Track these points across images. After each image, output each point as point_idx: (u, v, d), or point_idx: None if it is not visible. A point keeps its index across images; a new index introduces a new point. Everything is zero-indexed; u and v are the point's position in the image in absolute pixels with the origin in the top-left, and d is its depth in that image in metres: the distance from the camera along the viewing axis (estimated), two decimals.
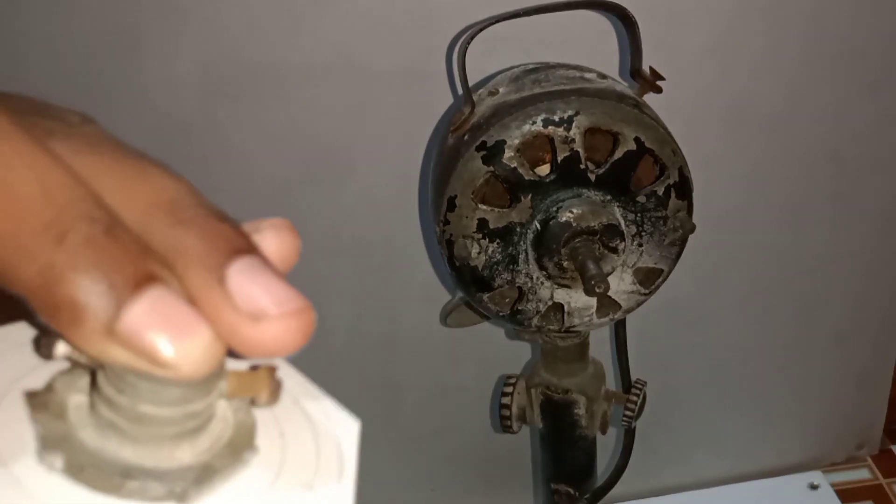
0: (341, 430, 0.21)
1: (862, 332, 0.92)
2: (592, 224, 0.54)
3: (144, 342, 0.16)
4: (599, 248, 0.54)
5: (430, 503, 0.95)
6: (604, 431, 0.71)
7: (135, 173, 0.18)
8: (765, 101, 0.78)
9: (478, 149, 0.54)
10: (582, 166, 0.54)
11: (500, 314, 0.60)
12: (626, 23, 0.59)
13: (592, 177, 0.55)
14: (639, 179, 0.56)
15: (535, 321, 0.60)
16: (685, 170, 0.56)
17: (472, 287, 0.58)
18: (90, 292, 0.16)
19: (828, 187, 0.83)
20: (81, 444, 0.18)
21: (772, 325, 0.90)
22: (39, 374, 0.19)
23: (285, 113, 0.73)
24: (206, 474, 0.18)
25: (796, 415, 0.97)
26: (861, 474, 1.00)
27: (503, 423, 0.70)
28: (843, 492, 0.95)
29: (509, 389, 0.69)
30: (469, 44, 0.57)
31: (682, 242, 0.58)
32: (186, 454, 0.18)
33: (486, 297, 0.58)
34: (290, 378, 0.21)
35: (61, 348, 0.17)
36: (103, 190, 0.17)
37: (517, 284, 0.58)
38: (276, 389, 0.19)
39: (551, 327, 0.60)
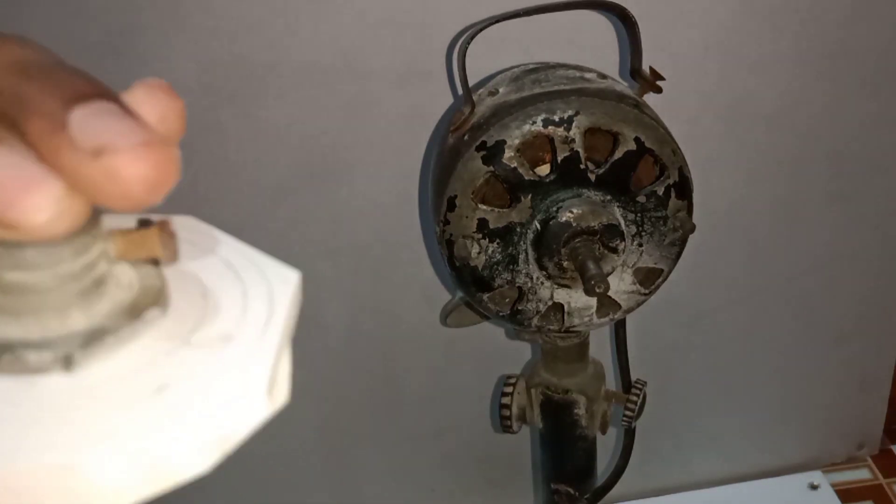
0: (277, 282, 0.19)
1: (862, 331, 0.92)
2: (592, 224, 0.54)
3: None
4: (599, 248, 0.54)
5: (430, 503, 0.95)
6: (604, 431, 0.71)
7: None
8: (765, 101, 0.78)
9: (478, 149, 0.54)
10: (582, 166, 0.54)
11: (500, 314, 0.60)
12: (626, 23, 0.60)
13: (592, 177, 0.55)
14: (639, 179, 0.56)
15: (535, 321, 0.60)
16: (685, 170, 0.56)
17: (472, 287, 0.58)
18: None
19: (828, 187, 0.83)
20: None
21: (772, 325, 0.90)
22: None
23: (285, 113, 0.73)
24: (96, 336, 0.17)
25: (796, 415, 0.97)
26: (861, 474, 1.00)
27: (503, 423, 0.70)
28: (843, 492, 0.95)
29: (509, 389, 0.69)
30: (469, 44, 0.57)
31: (682, 242, 0.58)
32: (79, 321, 0.17)
33: (486, 297, 0.58)
34: (223, 240, 0.20)
35: None
36: None
37: (517, 284, 0.58)
38: (170, 245, 0.18)
39: (551, 327, 0.60)
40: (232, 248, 0.20)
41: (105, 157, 0.15)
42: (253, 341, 0.18)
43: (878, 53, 0.77)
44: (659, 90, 0.59)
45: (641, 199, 0.56)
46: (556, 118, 0.54)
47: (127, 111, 0.16)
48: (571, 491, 0.73)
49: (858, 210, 0.85)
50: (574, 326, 0.60)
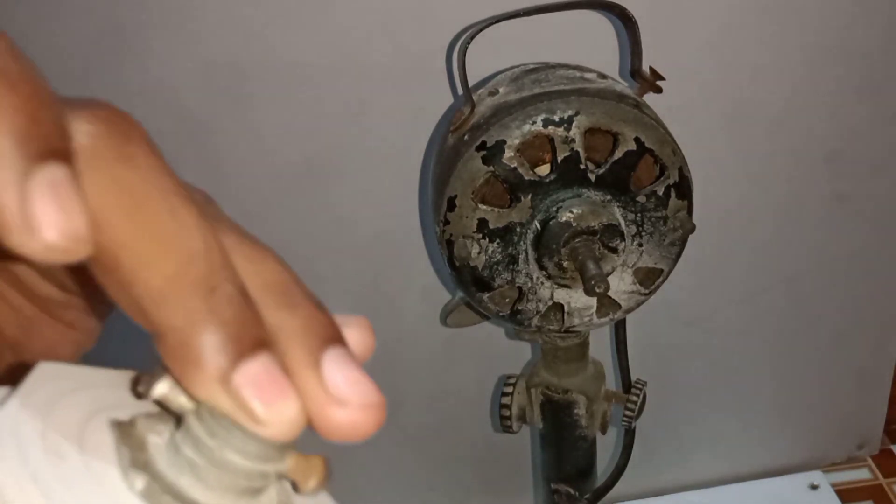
0: None
1: (862, 331, 0.92)
2: (592, 224, 0.54)
3: (249, 397, 0.19)
4: (599, 248, 0.54)
5: (430, 503, 0.95)
6: (604, 431, 0.71)
7: (254, 255, 0.20)
8: (765, 101, 0.78)
9: (478, 149, 0.55)
10: (582, 166, 0.54)
11: (500, 314, 0.60)
12: (627, 23, 0.60)
13: (592, 177, 0.55)
14: (639, 179, 0.56)
15: (535, 321, 0.60)
16: (685, 170, 0.56)
17: (472, 287, 0.58)
18: (219, 342, 0.19)
19: (828, 187, 0.83)
20: (160, 474, 0.19)
21: (772, 324, 0.90)
22: (123, 412, 0.20)
23: (285, 112, 0.73)
24: None
25: (796, 415, 0.97)
26: (861, 474, 1.00)
27: (503, 423, 0.70)
28: (843, 492, 0.95)
29: (509, 389, 0.69)
30: (469, 44, 0.57)
31: (682, 242, 0.58)
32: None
33: (486, 297, 0.58)
34: (321, 495, 0.23)
35: (161, 388, 0.19)
36: None
37: (517, 284, 0.58)
38: (324, 478, 0.21)
39: (551, 327, 0.60)
40: (325, 499, 0.23)
41: (346, 409, 0.20)
42: None
43: (879, 54, 0.77)
44: (659, 90, 0.59)
45: (641, 199, 0.56)
46: (556, 118, 0.54)
47: (356, 361, 0.21)
48: (571, 491, 0.73)
49: (859, 210, 0.85)
50: (574, 326, 0.60)
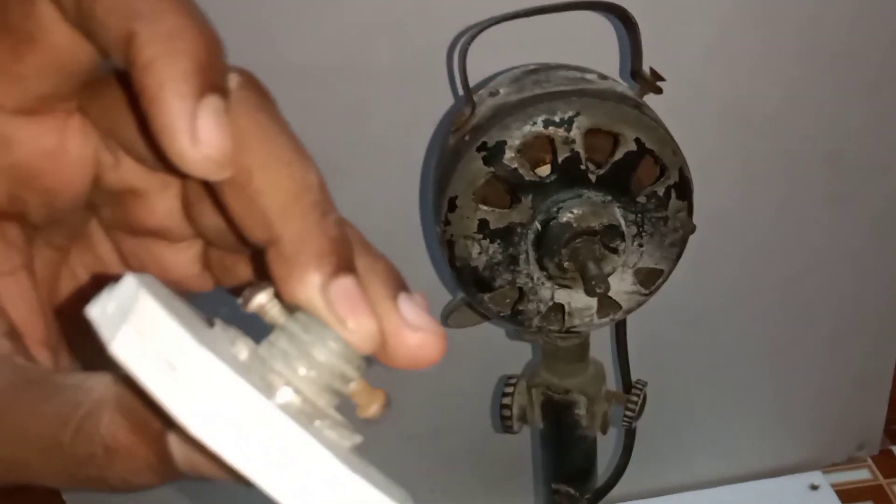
0: (395, 490, 0.25)
1: (862, 331, 0.92)
2: (593, 225, 0.54)
3: (340, 306, 0.22)
4: (600, 249, 0.54)
5: (430, 503, 0.95)
6: (604, 432, 0.71)
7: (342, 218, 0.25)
8: (765, 102, 0.78)
9: (478, 149, 0.55)
10: (582, 167, 0.54)
11: (501, 315, 0.60)
12: (627, 24, 0.60)
13: (593, 177, 0.55)
14: (639, 180, 0.56)
15: (535, 322, 0.60)
16: (685, 170, 0.56)
17: (472, 287, 0.58)
18: (326, 254, 0.22)
19: (828, 188, 0.83)
20: (257, 353, 0.22)
21: (772, 325, 0.90)
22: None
23: (285, 113, 0.73)
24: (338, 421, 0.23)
25: (796, 415, 0.97)
26: (861, 475, 1.00)
27: (504, 423, 0.70)
28: (843, 492, 0.95)
29: (510, 390, 0.69)
30: (469, 44, 0.57)
31: (683, 243, 0.58)
32: (321, 402, 0.23)
33: (486, 297, 0.58)
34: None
35: (262, 297, 0.23)
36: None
37: (518, 285, 0.58)
38: (385, 407, 0.24)
39: (552, 328, 0.60)
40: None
41: (418, 332, 0.24)
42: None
43: (879, 53, 0.77)
44: (659, 91, 0.59)
45: (642, 199, 0.56)
46: (557, 119, 0.54)
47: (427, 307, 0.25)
48: (572, 491, 0.73)
49: (859, 210, 0.85)
50: (575, 327, 0.60)
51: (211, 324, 0.23)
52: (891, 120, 0.80)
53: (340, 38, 0.71)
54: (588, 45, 0.72)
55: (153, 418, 0.21)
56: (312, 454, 0.21)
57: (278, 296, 0.23)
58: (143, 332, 0.20)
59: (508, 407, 0.69)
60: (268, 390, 0.22)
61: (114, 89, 0.25)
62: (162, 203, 0.27)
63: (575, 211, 0.54)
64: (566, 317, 0.59)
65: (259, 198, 0.22)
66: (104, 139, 0.26)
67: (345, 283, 0.22)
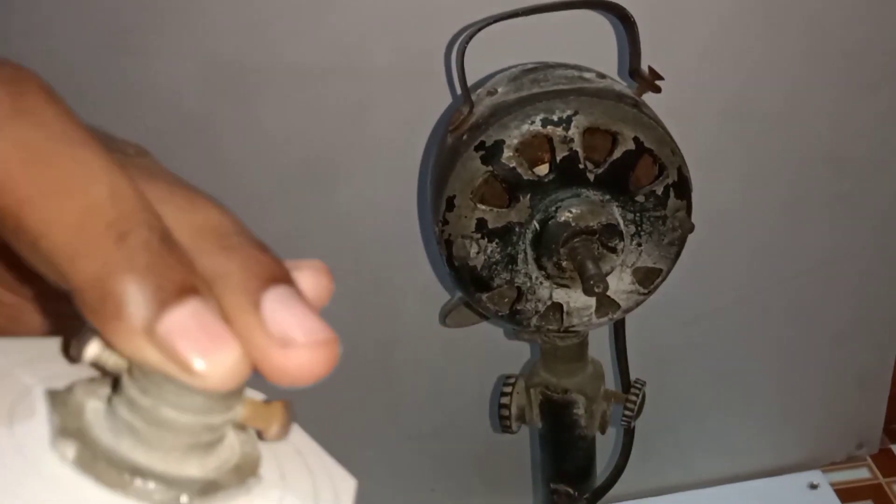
0: (339, 482, 0.22)
1: (861, 330, 0.92)
2: (591, 224, 0.54)
3: (178, 348, 0.17)
4: (598, 248, 0.54)
5: (430, 503, 0.95)
6: (603, 431, 0.71)
7: (186, 202, 0.19)
8: (764, 101, 0.78)
9: (476, 149, 0.54)
10: (581, 166, 0.54)
11: (499, 314, 0.60)
12: (625, 22, 0.60)
13: (591, 176, 0.55)
14: (638, 179, 0.56)
15: (534, 321, 0.60)
16: (684, 169, 0.56)
17: (471, 287, 0.58)
18: (138, 291, 0.17)
19: (827, 187, 0.83)
20: (95, 440, 0.18)
21: (771, 324, 0.90)
22: (62, 381, 0.19)
23: (285, 113, 0.73)
24: (211, 488, 0.19)
25: (796, 414, 0.97)
26: (861, 474, 1.00)
27: (502, 423, 0.70)
28: (842, 491, 0.95)
29: (508, 389, 0.69)
30: (468, 43, 0.57)
31: (681, 242, 0.58)
32: (194, 468, 0.19)
33: (485, 297, 0.58)
34: (295, 433, 0.22)
35: (92, 350, 0.18)
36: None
37: (516, 284, 0.58)
38: (287, 423, 0.20)
39: (550, 327, 0.60)
40: (300, 436, 0.22)
41: (290, 350, 0.18)
42: None
43: (880, 52, 0.77)
44: (658, 90, 0.59)
45: (640, 198, 0.56)
46: (555, 118, 0.54)
47: (304, 300, 0.19)
48: (571, 491, 0.73)
49: (858, 210, 0.85)
50: (573, 326, 0.60)
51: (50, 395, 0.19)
52: (892, 119, 0.80)
53: (339, 38, 0.71)
54: (586, 43, 0.72)
55: None
56: None
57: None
58: None
59: (507, 407, 0.69)
60: (118, 486, 0.18)
61: None
62: None
63: (573, 210, 0.54)
64: (564, 316, 0.59)
65: (38, 244, 0.17)
66: None
67: (175, 317, 0.17)
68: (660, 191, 0.56)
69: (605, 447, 0.86)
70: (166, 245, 0.18)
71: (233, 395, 0.19)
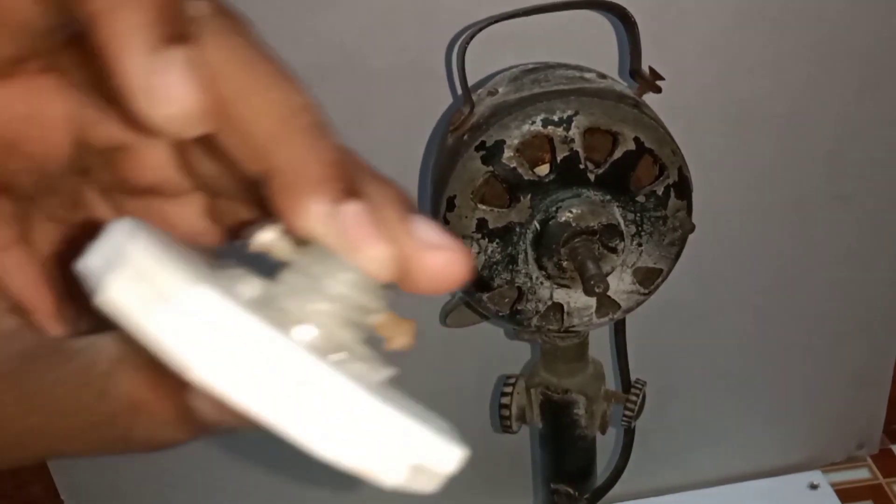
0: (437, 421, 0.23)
1: (862, 330, 0.92)
2: (592, 224, 0.54)
3: (351, 233, 0.21)
4: (599, 248, 0.54)
5: (430, 503, 0.95)
6: (603, 431, 0.71)
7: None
8: (765, 101, 0.78)
9: (477, 149, 0.54)
10: (581, 166, 0.54)
11: (500, 314, 0.60)
12: (626, 23, 0.59)
13: (592, 177, 0.55)
14: (638, 179, 0.56)
15: (534, 321, 0.60)
16: (684, 169, 0.56)
17: (471, 287, 0.58)
18: (327, 180, 0.21)
19: (828, 187, 0.83)
20: (265, 292, 0.21)
21: (771, 324, 0.90)
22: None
23: None
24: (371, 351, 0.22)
25: (796, 414, 0.97)
26: (861, 474, 1.00)
27: (503, 423, 0.70)
28: (842, 491, 0.95)
29: (509, 389, 0.69)
30: (468, 43, 0.57)
31: (682, 242, 0.58)
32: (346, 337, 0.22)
33: (485, 297, 0.58)
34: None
35: (268, 235, 0.21)
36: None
37: (516, 284, 0.58)
38: (412, 338, 0.23)
39: (551, 327, 0.60)
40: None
41: (437, 251, 0.22)
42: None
43: (881, 52, 0.77)
44: (658, 90, 0.59)
45: (641, 198, 0.56)
46: (556, 118, 0.54)
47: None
48: (571, 491, 0.73)
49: (859, 209, 0.85)
50: (573, 326, 0.60)
51: (216, 265, 0.21)
52: (893, 118, 0.80)
53: (339, 38, 0.71)
54: (587, 44, 0.72)
55: (170, 372, 0.19)
56: (336, 389, 0.19)
57: (287, 233, 0.21)
58: (135, 276, 0.18)
59: (507, 407, 0.69)
60: (280, 327, 0.20)
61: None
62: (153, 157, 0.26)
63: (574, 210, 0.54)
64: (565, 316, 0.59)
65: (245, 127, 0.21)
66: (84, 96, 0.24)
67: (353, 208, 0.21)
68: (660, 191, 0.56)
69: (606, 447, 0.86)
70: (346, 153, 0.22)
71: (382, 289, 0.22)
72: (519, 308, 0.59)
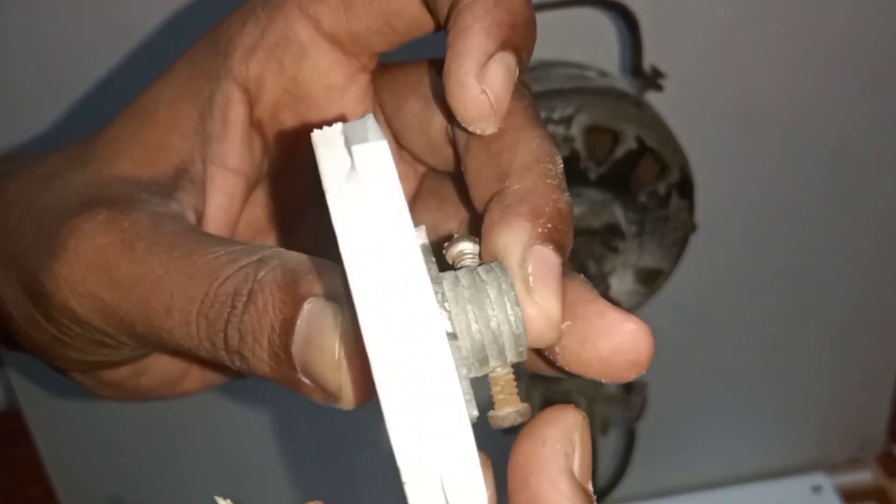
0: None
1: (865, 331, 0.92)
2: (593, 224, 0.53)
3: (535, 271, 0.21)
4: (599, 248, 0.54)
5: None
6: (604, 433, 0.71)
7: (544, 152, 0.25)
8: (769, 100, 0.77)
9: None
10: (582, 165, 0.54)
11: None
12: (628, 20, 0.59)
13: (593, 176, 0.54)
14: (640, 178, 0.56)
15: None
16: (687, 169, 0.56)
17: None
18: (544, 219, 0.23)
19: (831, 186, 0.82)
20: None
21: (774, 324, 0.90)
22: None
23: None
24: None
25: (798, 416, 0.96)
26: (863, 475, 0.99)
27: None
28: (845, 493, 0.95)
29: None
30: None
31: (684, 242, 0.58)
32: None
33: None
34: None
35: (465, 245, 0.22)
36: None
37: None
38: (515, 417, 0.23)
39: None
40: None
41: (631, 325, 0.23)
42: None
43: (882, 52, 0.76)
44: (660, 88, 0.59)
45: (643, 198, 0.55)
46: (556, 116, 0.53)
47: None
48: None
49: (861, 209, 0.84)
50: None
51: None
52: (894, 118, 0.80)
53: None
54: (587, 41, 0.72)
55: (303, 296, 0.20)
56: (451, 409, 0.19)
57: (480, 255, 0.22)
58: (363, 178, 0.18)
59: None
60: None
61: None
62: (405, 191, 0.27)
63: (574, 210, 0.53)
64: None
65: (505, 151, 0.23)
66: (375, 110, 0.28)
67: (549, 255, 0.22)
68: (662, 190, 0.55)
69: (606, 449, 0.86)
70: (568, 219, 0.23)
71: (524, 345, 0.21)
72: None
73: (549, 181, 0.22)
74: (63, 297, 0.24)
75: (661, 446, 0.93)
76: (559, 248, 0.22)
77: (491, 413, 0.22)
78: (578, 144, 0.53)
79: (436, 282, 0.20)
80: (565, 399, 0.68)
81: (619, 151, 0.54)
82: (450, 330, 0.20)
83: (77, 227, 0.24)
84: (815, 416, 0.97)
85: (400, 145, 0.28)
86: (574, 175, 0.54)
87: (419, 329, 0.18)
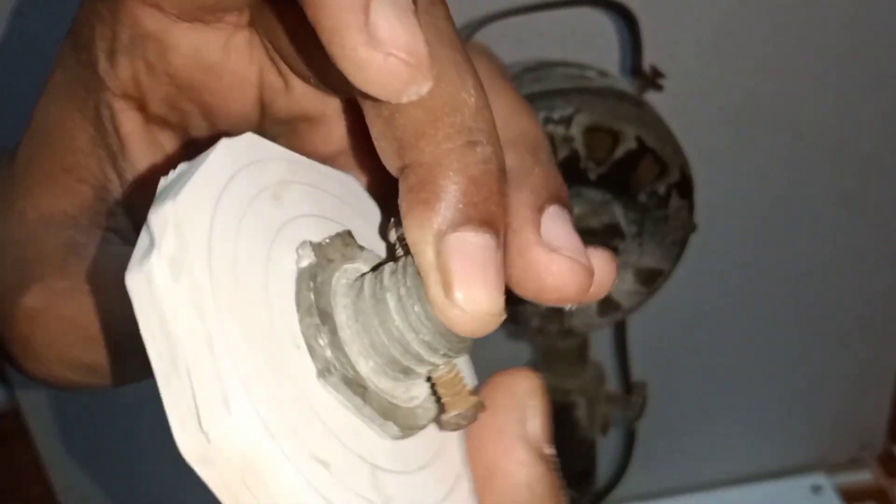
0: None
1: (865, 331, 0.92)
2: (592, 224, 0.53)
3: (452, 264, 0.17)
4: None
5: None
6: (604, 433, 0.71)
7: (511, 110, 0.22)
8: (768, 100, 0.77)
9: None
10: (582, 165, 0.54)
11: None
12: (628, 20, 0.59)
13: (593, 176, 0.54)
14: (640, 178, 0.56)
15: (534, 322, 0.59)
16: (687, 169, 0.56)
17: None
18: (456, 195, 0.18)
19: (831, 186, 0.82)
20: (329, 314, 0.18)
21: (773, 324, 0.90)
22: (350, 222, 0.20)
23: None
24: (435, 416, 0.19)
25: (798, 416, 0.96)
26: (864, 476, 0.99)
27: None
28: (845, 493, 0.95)
29: None
30: (467, 42, 0.57)
31: (684, 242, 0.58)
32: (420, 391, 0.19)
33: None
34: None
35: (394, 235, 0.19)
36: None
37: None
38: (464, 418, 0.19)
39: (551, 327, 0.60)
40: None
41: (553, 255, 0.19)
42: None
43: (883, 52, 0.76)
44: (660, 88, 0.59)
45: (642, 198, 0.55)
46: (556, 116, 0.53)
47: (573, 224, 0.21)
48: (572, 493, 0.73)
49: (862, 209, 0.84)
50: (574, 327, 0.60)
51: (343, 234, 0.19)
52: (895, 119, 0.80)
53: None
54: (588, 41, 0.71)
55: None
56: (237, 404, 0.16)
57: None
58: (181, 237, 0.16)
59: None
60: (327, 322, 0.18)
61: (289, 4, 0.21)
62: (340, 129, 0.25)
63: (574, 210, 0.53)
64: (565, 317, 0.59)
65: (396, 115, 0.18)
66: (274, 60, 0.23)
67: (471, 240, 0.18)
68: (662, 190, 0.55)
69: (606, 449, 0.86)
70: (499, 174, 0.18)
71: (461, 343, 0.18)
72: (519, 308, 0.58)
73: (452, 144, 0.18)
74: (34, 367, 0.23)
75: (660, 446, 0.93)
76: (485, 224, 0.18)
77: (441, 418, 0.19)
78: (578, 144, 0.53)
79: (322, 312, 0.18)
80: (565, 400, 0.68)
81: (619, 151, 0.54)
82: (320, 366, 0.18)
83: (26, 313, 0.23)
84: (815, 416, 0.97)
85: (311, 84, 0.24)
86: (574, 175, 0.54)
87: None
